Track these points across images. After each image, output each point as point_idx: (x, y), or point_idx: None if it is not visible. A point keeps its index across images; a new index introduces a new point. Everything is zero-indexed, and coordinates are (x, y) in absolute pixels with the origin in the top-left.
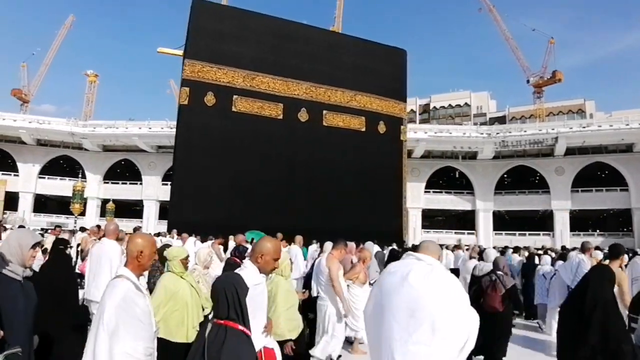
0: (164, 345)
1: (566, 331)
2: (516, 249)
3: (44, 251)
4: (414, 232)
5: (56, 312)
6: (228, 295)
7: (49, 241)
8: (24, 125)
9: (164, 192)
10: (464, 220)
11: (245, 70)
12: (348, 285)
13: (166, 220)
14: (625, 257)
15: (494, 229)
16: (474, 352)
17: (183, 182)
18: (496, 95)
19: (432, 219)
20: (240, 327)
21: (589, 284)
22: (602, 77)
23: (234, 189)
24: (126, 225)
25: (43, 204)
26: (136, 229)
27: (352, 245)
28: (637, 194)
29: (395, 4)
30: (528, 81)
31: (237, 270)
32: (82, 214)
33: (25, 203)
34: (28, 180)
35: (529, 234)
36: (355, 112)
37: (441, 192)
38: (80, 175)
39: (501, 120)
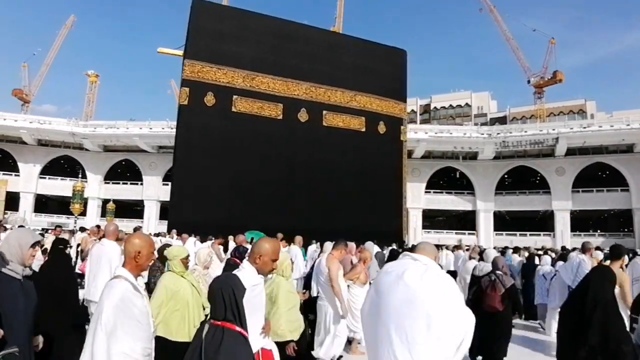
0: (165, 345)
1: (566, 331)
2: (516, 250)
3: (44, 251)
4: (415, 232)
5: (56, 312)
6: (225, 297)
7: (49, 241)
8: (24, 125)
9: (165, 193)
10: (465, 221)
11: (245, 71)
12: (348, 286)
13: (167, 221)
14: (626, 257)
15: (495, 230)
16: (475, 353)
17: (183, 182)
18: (497, 95)
19: (433, 220)
20: (238, 329)
21: (590, 285)
22: (603, 78)
23: (234, 189)
24: (127, 225)
25: (44, 204)
26: (136, 229)
27: (352, 245)
28: (638, 194)
29: (396, 4)
30: (529, 81)
31: (235, 271)
32: (83, 214)
33: (26, 203)
34: (29, 180)
35: (530, 235)
36: (355, 112)
37: (442, 192)
38: (79, 176)
39: (502, 120)
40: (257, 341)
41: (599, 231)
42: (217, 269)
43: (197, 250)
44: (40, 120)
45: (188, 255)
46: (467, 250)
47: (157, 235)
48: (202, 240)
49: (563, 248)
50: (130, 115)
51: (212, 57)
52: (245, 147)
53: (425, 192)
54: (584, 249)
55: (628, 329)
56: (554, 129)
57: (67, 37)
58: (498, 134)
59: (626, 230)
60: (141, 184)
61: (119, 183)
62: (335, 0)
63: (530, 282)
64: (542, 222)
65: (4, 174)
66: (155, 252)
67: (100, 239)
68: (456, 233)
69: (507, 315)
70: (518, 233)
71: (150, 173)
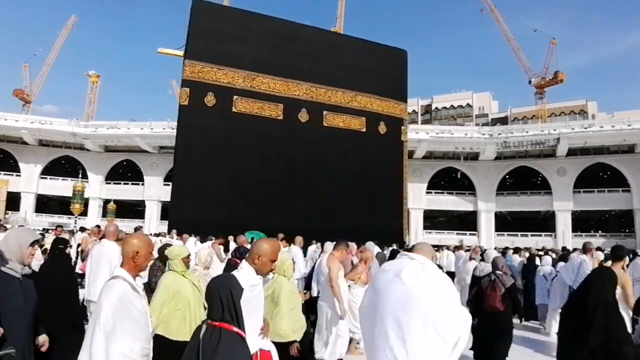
0: (166, 344)
1: (567, 332)
2: (516, 250)
3: (44, 251)
4: (416, 232)
5: (56, 312)
6: (222, 297)
7: (50, 241)
8: (25, 125)
9: (166, 193)
10: (466, 221)
11: (246, 71)
12: (349, 286)
13: (167, 221)
14: (626, 258)
15: (496, 230)
16: (476, 354)
17: (183, 183)
18: (498, 96)
19: (434, 220)
20: (235, 329)
21: (591, 286)
22: (604, 78)
23: (234, 190)
24: (128, 225)
25: (45, 204)
26: (137, 229)
27: (353, 245)
28: (639, 195)
29: (397, 4)
30: (530, 82)
31: (234, 272)
32: (84, 214)
33: (27, 203)
34: (30, 180)
35: (531, 235)
36: (355, 112)
37: (443, 192)
38: (80, 176)
39: (503, 121)
40: (256, 342)
41: (600, 232)
42: (217, 269)
43: (198, 250)
44: (41, 121)
45: (189, 255)
46: (468, 251)
47: (157, 235)
48: (202, 241)
49: (563, 249)
50: (131, 116)
51: (212, 57)
52: (246, 147)
53: (427, 192)
54: (585, 249)
55: (630, 330)
56: (555, 130)
57: (68, 37)
58: (499, 134)
59: (627, 230)
60: (142, 184)
61: (120, 183)
62: (336, 0)
63: (531, 282)
64: (544, 222)
65: (5, 174)
66: (154, 253)
67: (100, 239)
68: (457, 234)
69: (507, 315)
70: (519, 234)
71: (151, 173)
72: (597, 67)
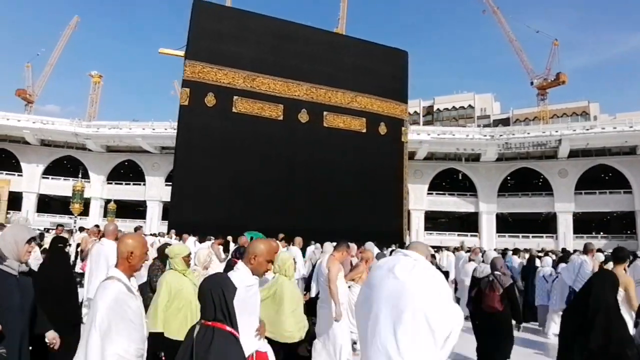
0: (168, 344)
1: (568, 335)
2: (515, 251)
3: (44, 251)
4: (417, 233)
5: (56, 311)
6: (214, 297)
7: (50, 240)
8: (27, 125)
9: (168, 193)
10: (467, 223)
11: (246, 71)
12: (350, 287)
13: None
14: (628, 260)
15: (497, 231)
16: (479, 354)
17: (183, 183)
18: (500, 97)
19: (435, 221)
20: (228, 328)
21: (592, 289)
22: (607, 79)
23: (234, 190)
24: (129, 225)
25: (47, 204)
26: (137, 229)
27: (353, 246)
28: None
29: (399, 6)
30: (532, 83)
31: (230, 272)
32: (86, 214)
33: (29, 203)
34: (32, 180)
35: (532, 237)
36: (355, 113)
37: (444, 194)
38: (80, 176)
39: (505, 122)
40: (253, 343)
41: (601, 233)
42: (216, 269)
43: (197, 250)
44: (43, 121)
45: (190, 254)
46: (469, 252)
47: (156, 235)
48: (201, 241)
49: (563, 250)
50: (133, 116)
51: (212, 57)
52: (246, 147)
53: (428, 193)
54: (586, 250)
55: (632, 332)
56: (556, 131)
57: (71, 37)
58: (501, 135)
59: (629, 232)
60: (144, 185)
61: (121, 183)
62: (338, 1)
63: (531, 283)
64: (545, 224)
65: (7, 173)
66: (149, 253)
67: (100, 238)
68: (458, 235)
69: (507, 316)
70: (520, 235)
71: (152, 173)
72: (600, 69)
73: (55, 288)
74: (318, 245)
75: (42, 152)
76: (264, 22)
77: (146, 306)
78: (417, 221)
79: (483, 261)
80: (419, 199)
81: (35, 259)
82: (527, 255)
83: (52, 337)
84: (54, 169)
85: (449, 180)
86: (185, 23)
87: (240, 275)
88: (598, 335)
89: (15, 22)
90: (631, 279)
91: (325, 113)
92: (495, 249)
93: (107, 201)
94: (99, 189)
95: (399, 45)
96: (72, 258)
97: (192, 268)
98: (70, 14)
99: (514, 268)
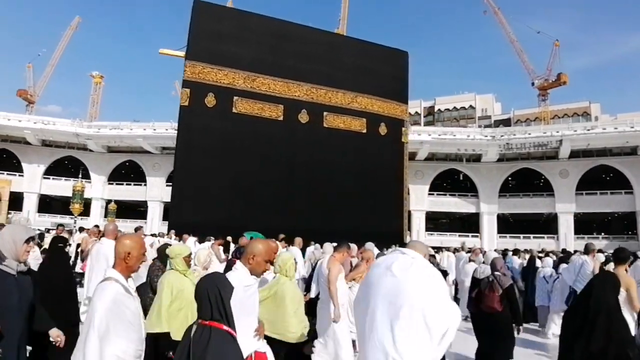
0: (174, 345)
1: (569, 336)
2: (516, 252)
3: (44, 251)
4: (418, 234)
5: (56, 311)
6: (210, 296)
7: (50, 240)
8: (28, 125)
9: (168, 194)
10: (468, 223)
11: (246, 72)
12: (351, 287)
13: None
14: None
15: (498, 232)
16: (476, 356)
17: (183, 183)
18: (501, 97)
19: (436, 222)
20: (225, 327)
21: (592, 290)
22: (608, 80)
23: (234, 190)
24: (130, 226)
25: (48, 204)
26: (137, 229)
27: (354, 247)
28: None
29: (400, 6)
30: (533, 84)
31: (229, 272)
32: (87, 214)
33: (30, 203)
34: (33, 180)
35: (534, 237)
36: (356, 113)
37: (445, 194)
38: (80, 176)
39: (506, 122)
40: (251, 343)
41: (602, 234)
42: (216, 269)
43: (197, 250)
44: (44, 121)
45: (190, 254)
46: (469, 252)
47: (155, 235)
48: (201, 241)
49: (563, 251)
50: (134, 117)
51: (212, 58)
52: (246, 148)
53: (429, 194)
54: (587, 250)
55: (634, 333)
56: (557, 131)
57: (72, 38)
58: (502, 136)
59: (630, 233)
60: (145, 185)
61: (122, 184)
62: (339, 2)
63: (531, 284)
64: (546, 224)
65: (8, 174)
66: (147, 254)
67: (100, 238)
68: (459, 235)
69: (506, 316)
70: (522, 236)
71: (153, 174)
72: (601, 69)
73: (55, 288)
74: (317, 245)
75: (43, 153)
76: (264, 22)
77: (146, 307)
78: (418, 222)
79: (483, 262)
80: (420, 200)
81: (35, 259)
82: (527, 256)
83: (55, 334)
84: (55, 170)
85: (450, 181)
86: (186, 23)
87: (239, 275)
88: (599, 337)
89: (16, 22)
90: (633, 279)
91: (325, 113)
92: (495, 250)
93: (108, 201)
94: (100, 189)
95: (401, 46)
96: (72, 258)
97: (192, 268)
98: (71, 14)
99: (514, 269)
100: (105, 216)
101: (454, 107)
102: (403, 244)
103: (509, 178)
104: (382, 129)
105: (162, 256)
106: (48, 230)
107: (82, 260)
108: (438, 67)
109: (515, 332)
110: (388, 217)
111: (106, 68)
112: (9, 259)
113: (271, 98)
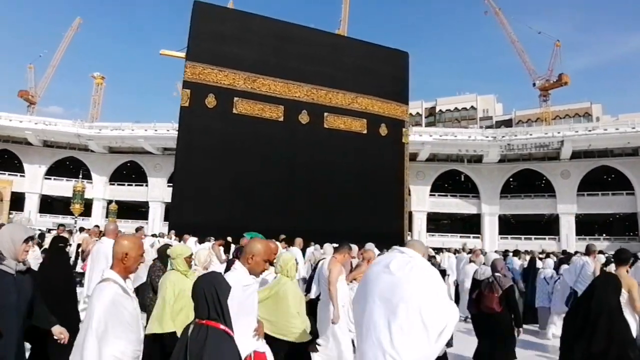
0: (170, 345)
1: (570, 337)
2: (516, 253)
3: (44, 251)
4: (419, 235)
5: (55, 311)
6: (207, 296)
7: (50, 240)
8: (30, 126)
9: (170, 194)
10: (470, 224)
11: (246, 73)
12: (352, 289)
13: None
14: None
15: (500, 233)
16: (474, 356)
17: (184, 184)
18: (502, 98)
19: (438, 223)
20: (222, 327)
21: (594, 292)
22: (609, 80)
23: (235, 191)
24: (131, 226)
25: (49, 204)
26: (138, 230)
27: (355, 248)
28: None
29: (401, 7)
30: (534, 84)
31: (227, 272)
32: (88, 215)
33: (31, 204)
34: (34, 181)
35: (535, 238)
36: (356, 114)
37: (446, 195)
38: (81, 176)
39: (507, 123)
40: (251, 343)
41: (604, 235)
42: (216, 269)
43: (197, 251)
44: (45, 122)
45: (191, 254)
46: (469, 253)
47: (156, 236)
48: (201, 242)
49: (564, 252)
50: (135, 117)
51: (213, 59)
52: (246, 148)
53: (430, 195)
54: (588, 251)
55: (635, 334)
56: (559, 132)
57: (74, 39)
58: (503, 136)
59: (631, 234)
60: (146, 186)
61: (124, 184)
62: (340, 3)
63: (532, 285)
64: (547, 225)
65: (9, 174)
66: (147, 254)
67: (100, 238)
68: (461, 236)
69: (506, 317)
70: (523, 237)
71: (155, 175)
72: (602, 70)
73: (55, 288)
74: (317, 246)
75: (44, 153)
76: (265, 23)
77: (146, 307)
78: (420, 223)
79: (484, 263)
80: (421, 201)
81: (35, 259)
82: (527, 257)
83: (58, 331)
84: (57, 170)
85: (451, 182)
86: (186, 24)
87: (237, 275)
88: (600, 338)
89: (17, 23)
90: (634, 280)
91: (325, 114)
92: (496, 251)
93: (110, 202)
94: (101, 190)
95: (401, 47)
96: (72, 258)
97: (192, 269)
98: (72, 15)
99: (514, 270)
100: (107, 217)
101: (455, 108)
102: (403, 245)
103: (510, 179)
104: (383, 130)
105: (163, 256)
106: (49, 231)
107: (83, 260)
108: (439, 68)
109: (515, 334)
110: (388, 218)
111: (107, 69)
112: (8, 258)
113: (271, 99)
